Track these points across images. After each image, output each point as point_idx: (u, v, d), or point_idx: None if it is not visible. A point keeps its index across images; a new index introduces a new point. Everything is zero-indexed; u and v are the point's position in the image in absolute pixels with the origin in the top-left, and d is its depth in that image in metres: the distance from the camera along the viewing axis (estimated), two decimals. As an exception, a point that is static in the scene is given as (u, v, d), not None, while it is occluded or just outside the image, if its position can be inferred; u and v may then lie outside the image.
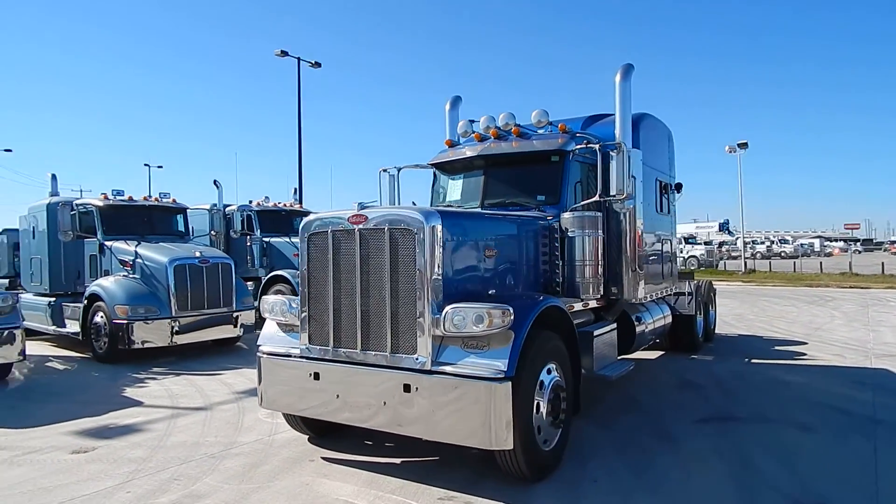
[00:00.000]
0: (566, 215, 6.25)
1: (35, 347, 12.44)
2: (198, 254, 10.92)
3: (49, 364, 10.73)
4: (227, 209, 15.29)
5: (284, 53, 25.80)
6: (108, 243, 11.38)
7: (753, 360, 9.99)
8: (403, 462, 5.44)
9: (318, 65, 27.09)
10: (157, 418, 7.05)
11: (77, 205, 11.83)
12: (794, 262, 39.21)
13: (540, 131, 7.12)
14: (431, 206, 7.61)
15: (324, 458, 5.58)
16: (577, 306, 6.74)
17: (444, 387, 4.61)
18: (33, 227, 12.53)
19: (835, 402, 7.28)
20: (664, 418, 6.74)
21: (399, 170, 8.04)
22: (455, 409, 4.57)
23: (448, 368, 4.63)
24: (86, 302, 10.90)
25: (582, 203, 6.53)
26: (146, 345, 10.29)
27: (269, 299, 5.78)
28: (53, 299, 12.03)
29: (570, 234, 6.20)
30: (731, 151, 38.32)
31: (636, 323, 7.96)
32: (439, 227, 4.77)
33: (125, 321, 10.15)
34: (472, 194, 7.14)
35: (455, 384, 4.56)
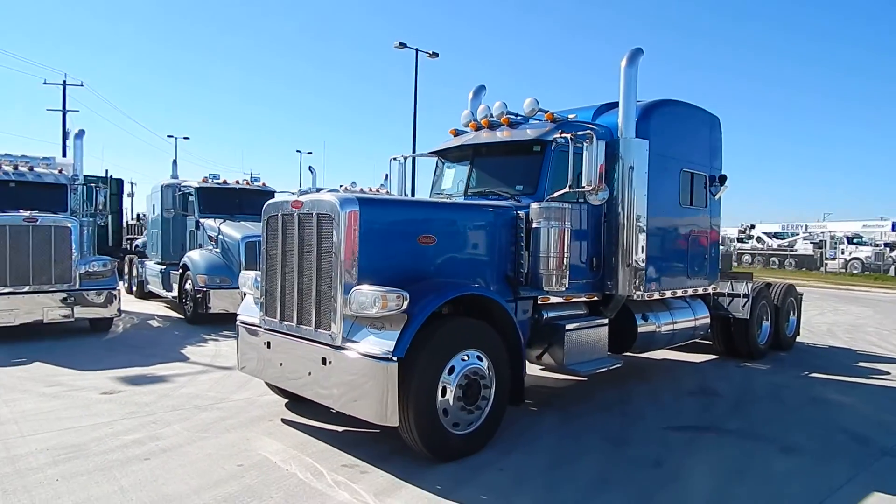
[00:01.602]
0: (534, 206, 6.15)
1: (151, 307, 14.63)
2: (269, 233, 12.09)
3: (149, 321, 12.61)
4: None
5: (403, 45, 26.90)
6: (202, 221, 13.02)
7: (812, 374, 8.94)
8: (345, 431, 5.84)
9: (435, 55, 27.88)
10: (187, 372, 8.13)
11: (182, 186, 13.65)
12: None
13: (532, 121, 7.03)
14: (431, 194, 7.86)
15: (283, 420, 6.16)
16: (555, 299, 6.65)
17: (348, 362, 4.94)
18: (153, 206, 14.68)
19: (860, 427, 6.41)
20: (639, 422, 6.43)
21: (406, 158, 8.35)
22: (355, 384, 4.89)
23: (352, 345, 4.94)
24: (181, 271, 12.62)
25: (557, 193, 6.38)
26: (221, 310, 11.69)
27: (245, 274, 6.46)
28: (164, 267, 14.02)
29: (535, 224, 6.11)
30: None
31: (643, 321, 7.58)
32: (355, 213, 5.06)
33: (204, 289, 11.63)
34: (460, 183, 7.27)
35: (355, 360, 4.87)
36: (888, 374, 9.21)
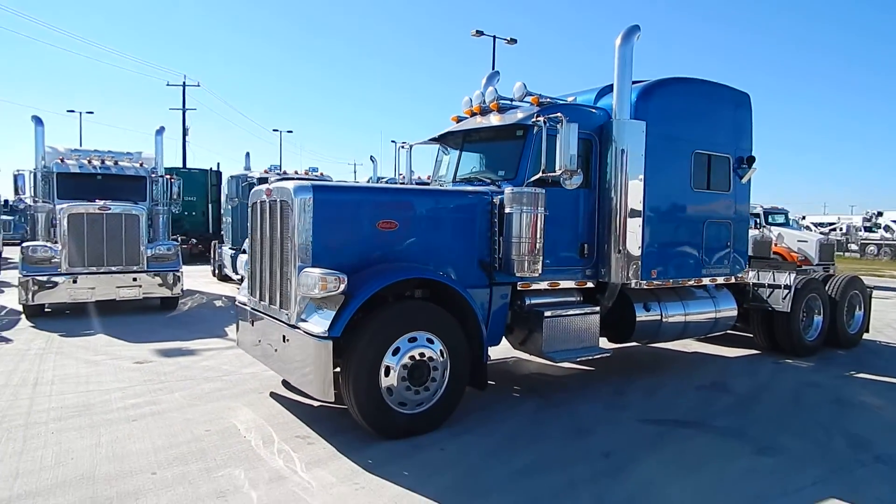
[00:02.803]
0: (507, 191, 6.12)
1: (225, 289, 15.88)
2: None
3: (215, 301, 13.74)
4: (380, 181, 17.15)
5: (480, 33, 26.86)
6: (262, 209, 13.96)
7: (858, 375, 8.13)
8: (320, 406, 6.17)
9: (513, 41, 27.60)
10: (217, 348, 8.87)
11: (248, 177, 14.69)
12: None
13: (521, 105, 6.95)
14: (432, 180, 7.99)
15: (271, 393, 6.62)
16: (538, 285, 6.59)
17: (298, 340, 5.26)
18: (226, 195, 15.91)
19: (869, 432, 5.82)
20: (619, 413, 6.24)
21: (411, 146, 8.51)
22: (302, 360, 5.20)
23: (302, 324, 5.25)
24: (243, 254, 13.63)
25: (533, 178, 6.29)
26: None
27: (242, 257, 6.97)
28: (234, 251, 15.19)
29: (507, 210, 6.09)
30: None
31: (644, 311, 7.30)
32: (309, 199, 5.33)
33: (258, 272, 12.50)
34: (451, 169, 7.35)
35: (301, 338, 5.18)
36: (957, 377, 8.18)
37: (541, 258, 6.15)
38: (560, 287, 6.82)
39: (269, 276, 5.91)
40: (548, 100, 6.77)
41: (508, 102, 7.06)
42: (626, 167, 6.75)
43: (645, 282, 7.09)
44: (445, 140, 7.68)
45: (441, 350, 5.46)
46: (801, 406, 6.67)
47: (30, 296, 10.71)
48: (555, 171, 6.08)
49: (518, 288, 6.49)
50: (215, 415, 5.88)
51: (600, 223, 6.93)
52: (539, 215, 6.10)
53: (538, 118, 6.24)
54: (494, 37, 27.26)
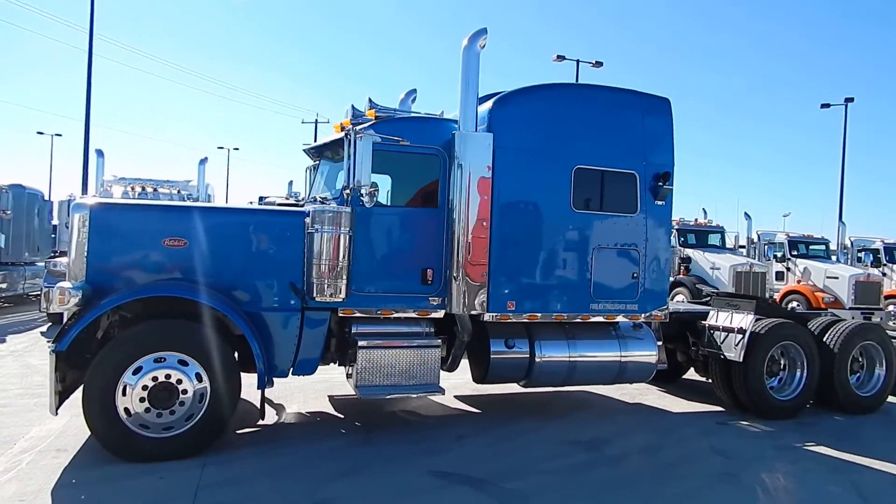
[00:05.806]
0: (311, 210, 5.80)
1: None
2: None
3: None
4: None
5: (561, 58, 26.06)
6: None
7: (814, 448, 6.39)
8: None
9: (599, 64, 26.40)
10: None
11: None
12: None
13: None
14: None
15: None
16: (362, 313, 6.09)
17: (56, 354, 5.33)
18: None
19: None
20: (422, 459, 5.50)
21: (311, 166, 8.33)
22: (53, 374, 5.26)
23: (60, 338, 5.32)
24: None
25: (345, 195, 5.88)
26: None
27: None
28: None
29: (308, 230, 5.74)
30: None
31: (504, 348, 6.42)
32: (84, 216, 5.43)
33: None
34: (308, 187, 7.15)
35: (54, 352, 5.25)
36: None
37: (343, 282, 5.73)
38: (401, 316, 6.24)
39: (82, 290, 6.10)
40: (385, 114, 6.34)
41: (357, 118, 6.71)
42: (467, 185, 6.06)
43: (498, 314, 6.25)
44: (314, 156, 7.47)
45: (198, 373, 5.22)
46: (663, 477, 5.39)
47: (48, 305, 12.07)
48: (347, 190, 5.65)
49: (340, 314, 6.05)
50: (30, 422, 6.12)
51: (446, 247, 6.27)
52: (342, 236, 5.71)
53: (347, 134, 5.85)
54: (578, 61, 26.32)
